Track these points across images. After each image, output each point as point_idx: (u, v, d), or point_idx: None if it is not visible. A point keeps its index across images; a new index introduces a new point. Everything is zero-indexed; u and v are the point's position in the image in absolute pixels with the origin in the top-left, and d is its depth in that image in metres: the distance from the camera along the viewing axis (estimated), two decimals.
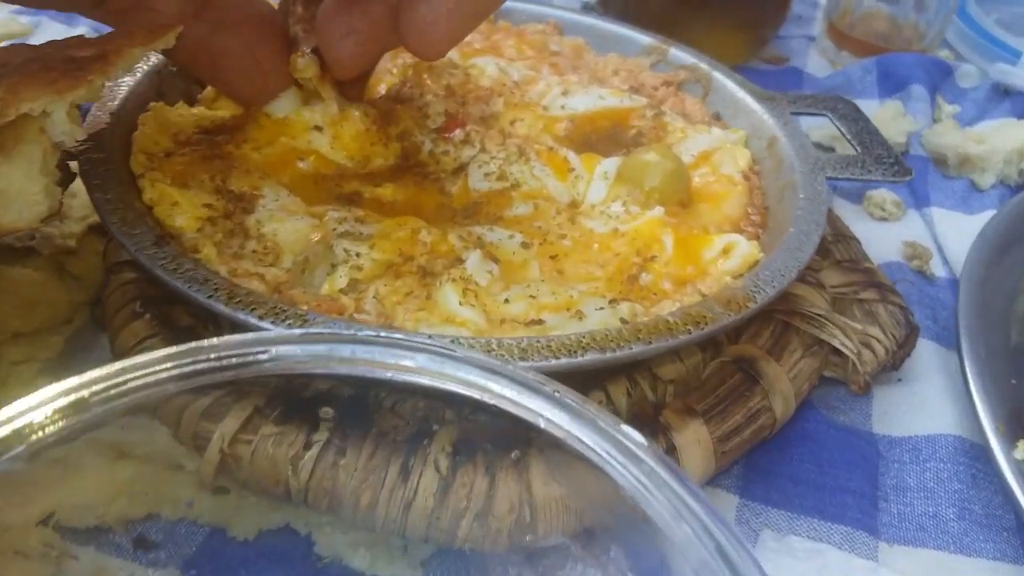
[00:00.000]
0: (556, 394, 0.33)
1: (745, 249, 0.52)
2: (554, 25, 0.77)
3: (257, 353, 0.34)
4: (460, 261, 0.50)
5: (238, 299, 0.42)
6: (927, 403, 0.56)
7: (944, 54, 1.00)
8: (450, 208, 0.57)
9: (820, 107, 0.67)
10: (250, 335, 0.35)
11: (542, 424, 0.33)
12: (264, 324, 0.41)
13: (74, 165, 0.50)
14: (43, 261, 0.52)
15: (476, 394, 0.34)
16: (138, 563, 0.41)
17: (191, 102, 0.63)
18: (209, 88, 0.64)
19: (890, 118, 0.82)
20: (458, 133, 0.62)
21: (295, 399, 0.39)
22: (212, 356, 0.34)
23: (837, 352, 0.54)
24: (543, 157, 0.59)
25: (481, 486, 0.38)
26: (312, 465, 0.38)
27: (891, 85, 0.89)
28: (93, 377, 0.33)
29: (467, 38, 0.74)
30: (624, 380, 0.47)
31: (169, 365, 0.33)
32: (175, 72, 0.63)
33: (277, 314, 0.42)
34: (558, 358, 0.42)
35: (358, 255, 0.49)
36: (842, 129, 0.65)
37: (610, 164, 0.59)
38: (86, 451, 0.39)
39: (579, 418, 0.33)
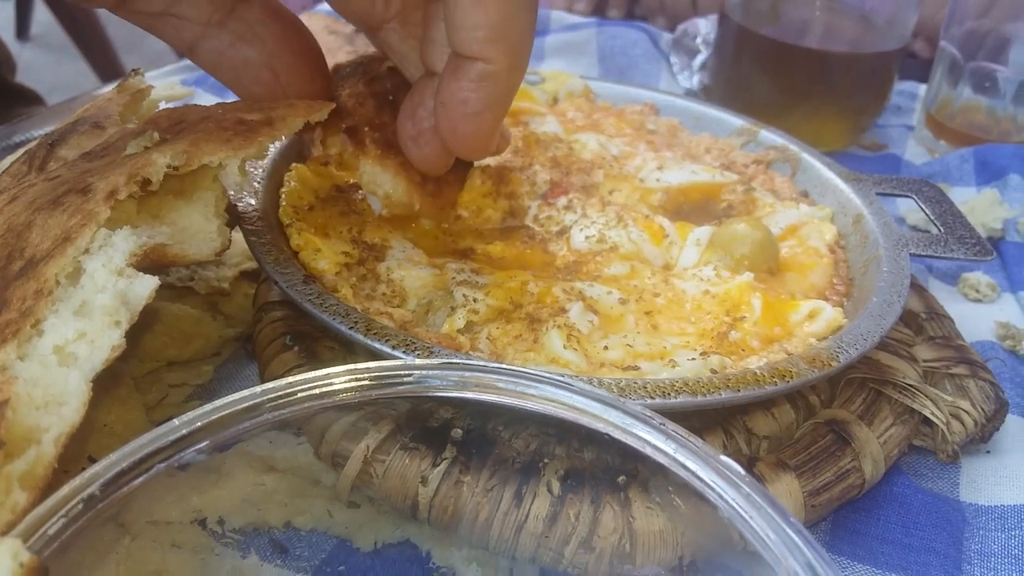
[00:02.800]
0: (662, 425, 0.37)
1: (830, 314, 0.56)
2: (651, 106, 0.83)
3: (403, 376, 0.40)
4: (564, 311, 0.55)
5: (375, 331, 0.48)
6: (1015, 475, 0.57)
7: None
8: (553, 266, 0.63)
9: (905, 189, 0.71)
10: (397, 361, 0.41)
11: (648, 451, 0.37)
12: (397, 353, 0.47)
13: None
14: (199, 300, 0.60)
15: (590, 421, 0.38)
16: (272, 565, 0.46)
17: (325, 163, 0.71)
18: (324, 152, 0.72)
19: (987, 205, 0.85)
20: (562, 200, 0.69)
21: (424, 425, 0.44)
22: (366, 376, 0.39)
23: (927, 423, 0.56)
24: (640, 223, 0.64)
25: (587, 514, 0.42)
26: (439, 480, 0.42)
27: (988, 174, 0.91)
28: (265, 388, 0.39)
29: (570, 115, 0.82)
30: (720, 432, 0.51)
31: (335, 381, 0.38)
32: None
33: (408, 345, 0.48)
34: (653, 398, 0.46)
35: (475, 300, 0.54)
36: (926, 210, 0.68)
37: (703, 232, 0.64)
38: (238, 461, 0.44)
39: (683, 447, 0.37)
